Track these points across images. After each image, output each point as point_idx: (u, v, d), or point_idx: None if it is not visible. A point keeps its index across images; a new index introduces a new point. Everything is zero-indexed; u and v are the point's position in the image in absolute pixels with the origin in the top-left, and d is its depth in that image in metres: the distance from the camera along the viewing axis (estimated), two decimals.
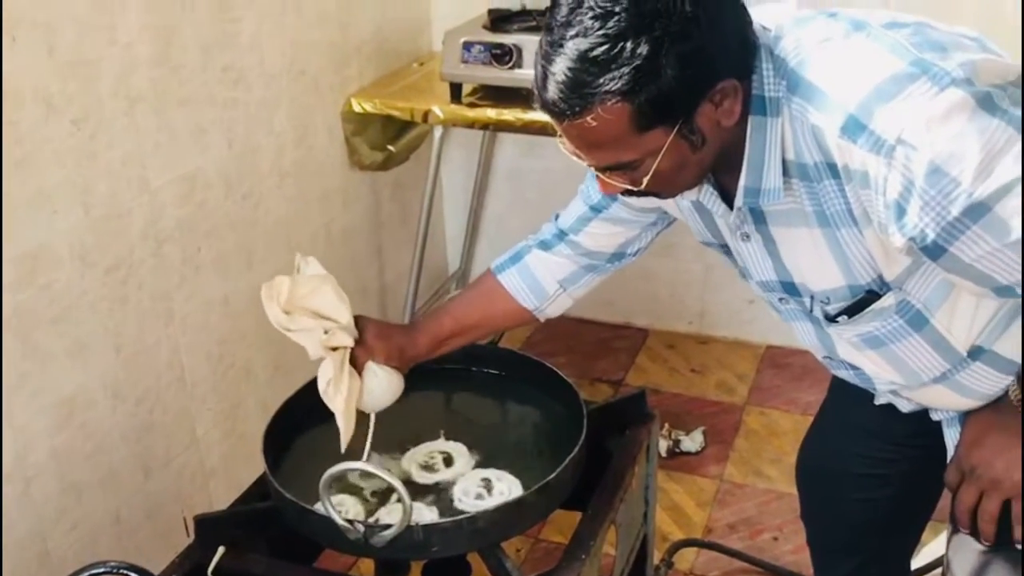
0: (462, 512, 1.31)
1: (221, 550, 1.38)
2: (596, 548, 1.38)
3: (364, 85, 2.44)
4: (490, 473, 1.40)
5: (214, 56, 1.89)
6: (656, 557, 1.86)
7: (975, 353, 1.17)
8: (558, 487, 1.33)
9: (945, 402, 1.24)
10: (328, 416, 1.55)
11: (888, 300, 1.14)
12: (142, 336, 1.80)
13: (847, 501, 1.53)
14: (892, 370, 1.23)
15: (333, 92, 2.33)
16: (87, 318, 1.67)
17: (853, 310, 1.16)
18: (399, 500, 1.31)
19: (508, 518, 1.29)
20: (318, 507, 1.27)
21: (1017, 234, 0.94)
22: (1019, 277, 0.98)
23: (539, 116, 2.19)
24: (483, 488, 1.38)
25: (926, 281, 1.12)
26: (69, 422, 1.65)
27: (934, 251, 0.98)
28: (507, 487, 1.37)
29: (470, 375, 1.67)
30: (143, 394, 1.83)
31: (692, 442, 2.44)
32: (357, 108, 2.35)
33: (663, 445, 2.38)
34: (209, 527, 1.38)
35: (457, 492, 1.37)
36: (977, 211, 0.94)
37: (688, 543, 2.06)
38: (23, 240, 1.52)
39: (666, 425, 2.44)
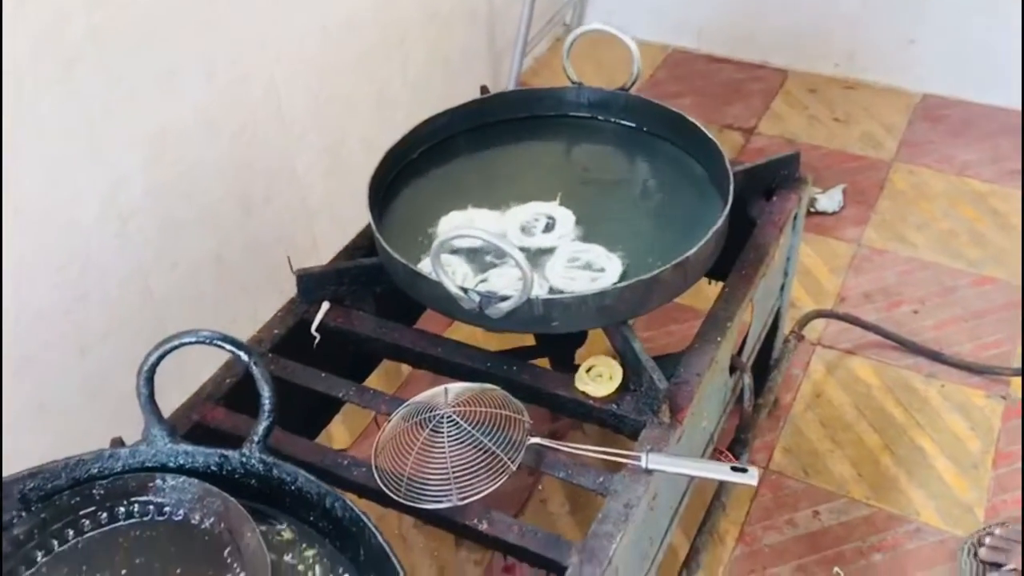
0: (552, 288, 1.18)
1: (325, 306, 1.30)
2: (733, 328, 1.25)
3: None
4: (587, 248, 1.24)
5: None
6: (785, 329, 1.72)
7: None
8: (697, 263, 1.17)
9: None
10: (435, 165, 1.41)
11: None
12: (235, 64, 1.65)
13: None
14: None
15: None
16: (173, 40, 1.51)
17: None
18: (516, 267, 1.19)
19: (639, 296, 1.14)
20: (427, 269, 1.15)
21: None
22: None
23: None
24: (575, 266, 1.22)
25: None
26: (162, 156, 1.54)
27: None
28: (605, 267, 1.21)
29: (596, 125, 1.48)
30: (239, 127, 1.70)
31: (830, 201, 2.22)
32: None
33: None
34: (313, 282, 1.29)
35: (551, 263, 1.22)
36: None
37: (821, 314, 1.90)
38: None
39: None
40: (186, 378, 1.21)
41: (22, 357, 1.36)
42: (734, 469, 1.03)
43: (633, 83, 1.45)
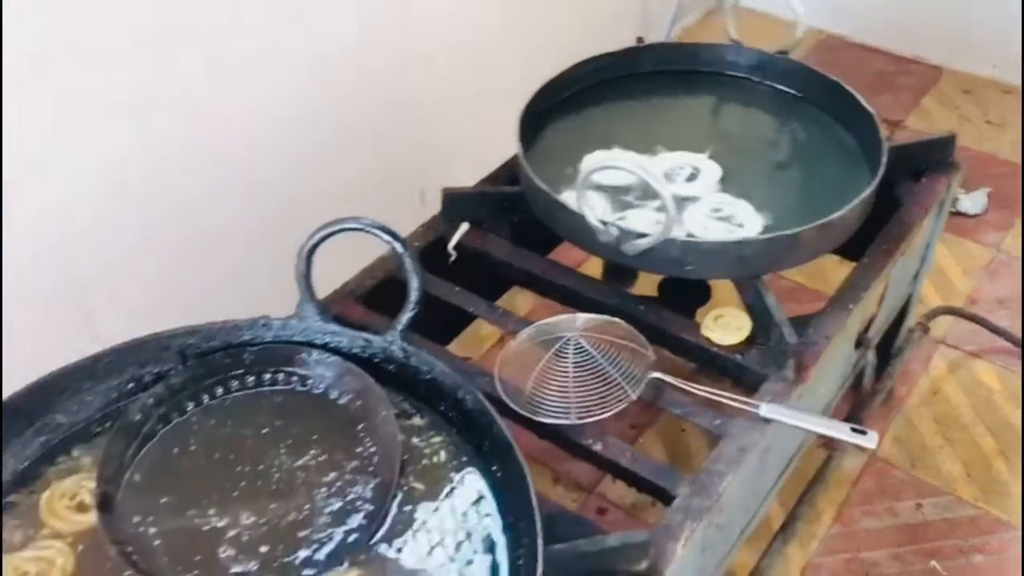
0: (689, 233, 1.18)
1: (465, 226, 1.34)
2: (866, 299, 1.24)
3: None
4: (733, 202, 1.24)
5: None
6: (911, 320, 1.69)
7: None
8: (840, 227, 1.17)
9: None
10: (585, 106, 1.43)
11: None
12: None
13: None
14: None
15: None
16: None
17: None
18: (661, 209, 1.20)
19: (778, 251, 1.14)
20: (569, 200, 1.17)
21: None
22: None
23: None
24: (716, 217, 1.23)
25: None
26: (315, 83, 1.61)
27: None
28: (745, 224, 1.21)
29: (750, 86, 1.47)
30: (387, 64, 1.75)
31: (972, 203, 2.15)
32: None
33: None
34: (456, 202, 1.33)
35: (691, 210, 1.23)
36: None
37: (951, 311, 1.86)
38: None
39: None
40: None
41: (170, 247, 1.45)
42: (853, 430, 1.03)
43: (793, 47, 1.44)
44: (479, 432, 0.90)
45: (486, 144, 1.85)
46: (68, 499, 0.87)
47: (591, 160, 1.31)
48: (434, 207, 1.36)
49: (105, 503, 0.84)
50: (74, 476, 0.89)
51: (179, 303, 1.49)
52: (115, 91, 1.30)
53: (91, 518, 0.84)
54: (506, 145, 1.45)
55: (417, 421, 0.94)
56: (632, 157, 1.31)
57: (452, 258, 1.32)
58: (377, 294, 1.24)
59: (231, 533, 0.83)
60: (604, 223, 1.14)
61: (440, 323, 1.34)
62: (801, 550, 1.49)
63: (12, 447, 0.89)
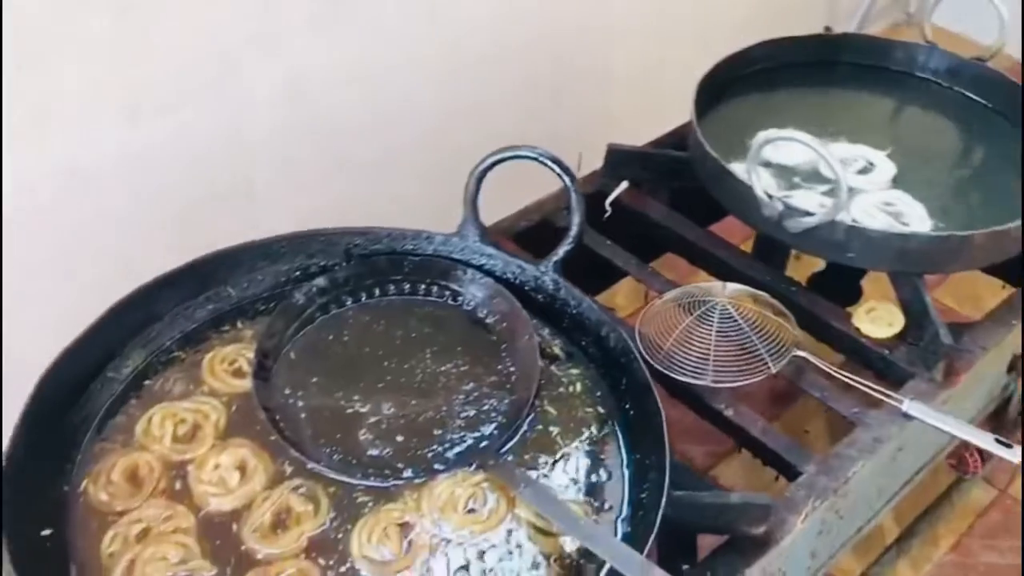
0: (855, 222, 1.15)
1: (624, 184, 1.35)
2: None
3: None
4: (909, 202, 1.21)
5: None
6: None
7: None
8: (1015, 239, 1.12)
9: None
10: (764, 87, 1.41)
11: None
12: None
13: None
14: None
15: None
16: None
17: None
18: (828, 193, 1.19)
19: (945, 251, 1.11)
20: (738, 170, 1.17)
21: None
22: None
23: None
24: (885, 210, 1.20)
25: None
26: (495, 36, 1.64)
27: None
28: (911, 224, 1.17)
29: (939, 91, 1.43)
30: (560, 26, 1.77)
31: None
32: None
33: None
34: (620, 159, 1.34)
35: (859, 198, 1.20)
36: None
37: None
38: None
39: None
40: None
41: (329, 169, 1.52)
42: (998, 441, 1.00)
43: (992, 56, 1.39)
44: (617, 370, 0.92)
45: (649, 116, 1.85)
46: (227, 364, 0.93)
47: (763, 138, 1.29)
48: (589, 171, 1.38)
49: (261, 372, 0.90)
50: (235, 344, 0.95)
51: (336, 215, 1.56)
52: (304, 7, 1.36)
53: (246, 383, 0.90)
54: (671, 120, 1.45)
55: (557, 351, 0.97)
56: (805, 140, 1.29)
57: (607, 214, 1.34)
58: (530, 234, 1.27)
59: (372, 419, 0.88)
60: (770, 196, 1.13)
61: (585, 275, 1.36)
62: (912, 570, 1.44)
63: (186, 308, 0.96)
